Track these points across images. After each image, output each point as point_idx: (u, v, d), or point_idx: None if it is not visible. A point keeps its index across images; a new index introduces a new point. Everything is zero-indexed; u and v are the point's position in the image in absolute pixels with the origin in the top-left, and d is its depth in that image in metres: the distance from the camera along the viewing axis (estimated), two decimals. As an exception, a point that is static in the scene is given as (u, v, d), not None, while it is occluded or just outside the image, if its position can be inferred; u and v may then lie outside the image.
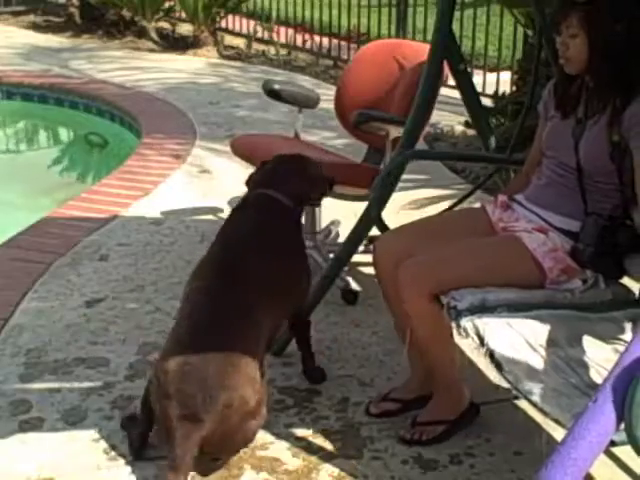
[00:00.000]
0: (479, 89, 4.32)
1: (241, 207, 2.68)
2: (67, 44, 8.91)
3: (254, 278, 2.42)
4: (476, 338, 2.02)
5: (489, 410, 2.55)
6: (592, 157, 2.26)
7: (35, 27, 9.81)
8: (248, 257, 2.48)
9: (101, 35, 9.17)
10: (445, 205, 3.48)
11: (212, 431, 2.14)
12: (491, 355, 1.96)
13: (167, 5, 9.27)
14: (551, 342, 2.01)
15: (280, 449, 2.41)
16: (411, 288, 2.25)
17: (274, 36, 8.55)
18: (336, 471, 2.31)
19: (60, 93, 6.87)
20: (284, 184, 2.68)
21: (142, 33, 8.94)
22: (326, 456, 2.38)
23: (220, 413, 2.14)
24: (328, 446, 2.42)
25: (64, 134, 7.16)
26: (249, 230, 2.58)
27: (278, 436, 2.46)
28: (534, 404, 1.82)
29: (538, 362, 1.94)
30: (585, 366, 1.94)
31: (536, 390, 1.83)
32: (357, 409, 2.60)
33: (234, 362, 2.21)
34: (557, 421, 1.76)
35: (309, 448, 2.41)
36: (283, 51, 8.38)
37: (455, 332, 2.13)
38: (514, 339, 2.01)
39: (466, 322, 2.07)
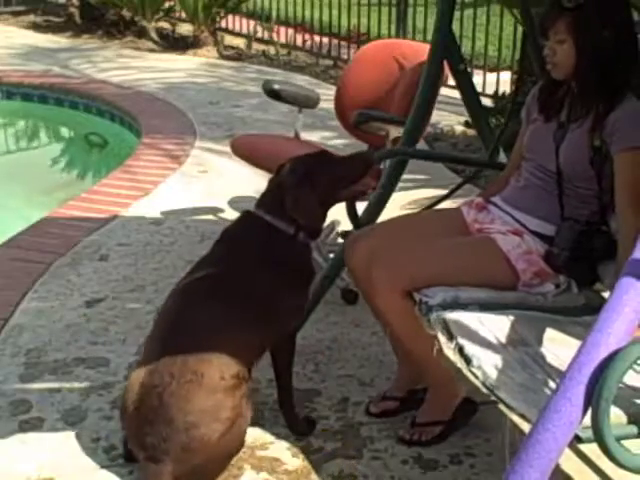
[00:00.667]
0: (479, 89, 4.33)
1: (230, 230, 2.44)
2: (67, 44, 8.91)
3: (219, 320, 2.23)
4: (445, 332, 2.03)
5: (489, 410, 2.54)
6: (572, 161, 2.26)
7: (35, 27, 9.81)
8: (214, 299, 2.26)
9: (101, 35, 9.18)
10: (444, 205, 3.48)
11: (178, 469, 2.10)
12: (460, 350, 1.97)
13: (167, 5, 9.27)
14: (520, 340, 2.02)
15: (280, 449, 2.41)
16: (384, 285, 2.25)
17: (274, 36, 8.55)
18: (336, 471, 2.31)
19: (60, 93, 6.87)
20: (283, 203, 2.32)
21: (142, 33, 8.94)
22: (326, 456, 2.38)
23: (180, 454, 2.09)
24: (328, 446, 2.42)
25: (64, 134, 7.17)
26: (229, 260, 2.34)
27: (278, 436, 2.46)
28: (501, 400, 1.81)
29: (506, 358, 1.94)
30: (553, 364, 1.94)
31: (503, 386, 1.83)
32: (357, 409, 2.60)
33: (193, 395, 2.10)
34: (523, 416, 1.75)
35: (309, 448, 2.41)
36: (283, 51, 8.39)
37: (425, 326, 2.13)
38: (484, 335, 2.01)
39: (436, 317, 2.07)
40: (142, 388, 2.14)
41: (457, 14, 4.07)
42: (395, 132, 3.20)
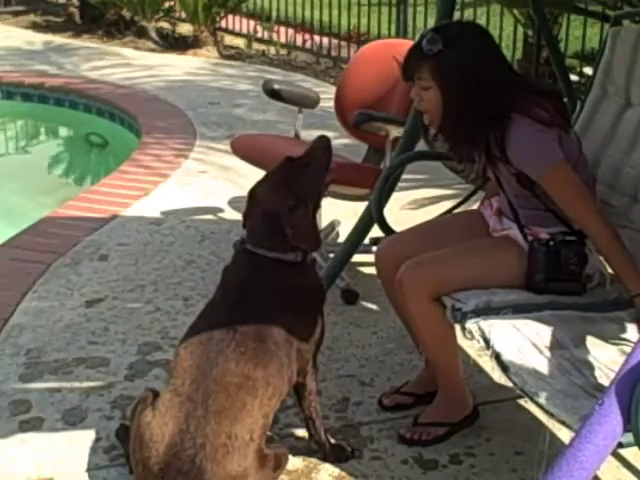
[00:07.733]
0: (479, 89, 4.31)
1: (239, 277, 2.21)
2: (67, 44, 8.91)
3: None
4: (482, 340, 2.02)
5: (489, 410, 2.55)
6: (507, 186, 2.27)
7: (35, 27, 9.82)
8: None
9: (101, 35, 9.18)
10: (445, 205, 3.49)
11: None
12: (497, 357, 1.96)
13: (167, 5, 9.28)
14: (557, 343, 2.01)
15: (280, 449, 2.41)
16: (412, 289, 2.25)
17: (274, 36, 8.56)
18: (336, 471, 2.31)
19: (60, 93, 6.87)
20: (281, 234, 2.15)
21: (142, 33, 8.95)
22: (326, 456, 2.38)
23: None
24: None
25: (64, 134, 7.17)
26: (249, 311, 2.15)
27: (278, 436, 2.45)
28: (540, 406, 1.81)
29: (544, 364, 1.94)
30: (591, 367, 1.93)
31: (542, 392, 1.83)
32: (357, 409, 2.60)
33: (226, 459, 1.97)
34: (564, 423, 1.75)
35: (309, 448, 2.40)
36: (283, 51, 8.39)
37: (460, 334, 2.12)
38: (520, 341, 2.00)
39: (471, 324, 2.06)
40: (170, 449, 1.98)
41: (457, 14, 4.07)
42: (395, 132, 3.20)
